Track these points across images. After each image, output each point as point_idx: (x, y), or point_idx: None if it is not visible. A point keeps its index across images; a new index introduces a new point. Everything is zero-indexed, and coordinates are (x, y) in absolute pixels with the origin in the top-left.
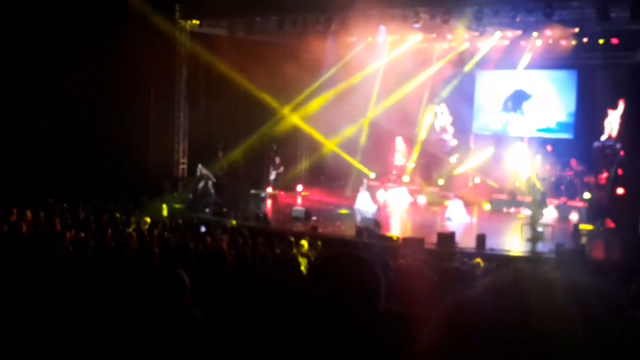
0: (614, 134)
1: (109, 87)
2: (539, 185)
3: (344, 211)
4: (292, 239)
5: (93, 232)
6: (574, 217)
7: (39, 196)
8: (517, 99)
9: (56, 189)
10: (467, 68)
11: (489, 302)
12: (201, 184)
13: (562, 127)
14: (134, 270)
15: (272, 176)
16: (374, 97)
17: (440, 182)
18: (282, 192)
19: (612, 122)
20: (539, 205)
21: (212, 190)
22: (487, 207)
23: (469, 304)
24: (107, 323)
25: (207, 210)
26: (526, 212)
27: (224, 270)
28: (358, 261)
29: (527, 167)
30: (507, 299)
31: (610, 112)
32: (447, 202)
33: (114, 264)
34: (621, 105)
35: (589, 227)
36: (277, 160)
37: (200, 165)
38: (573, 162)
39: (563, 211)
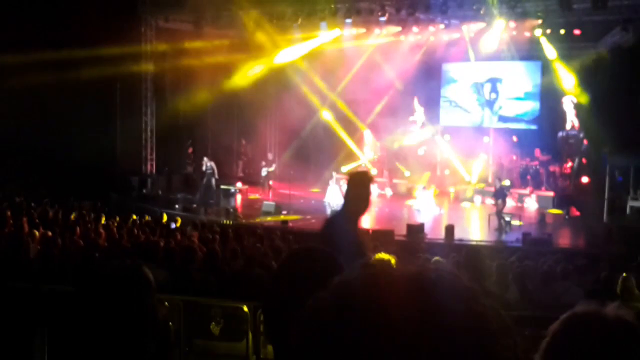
0: (574, 122)
1: (74, 82)
2: (504, 178)
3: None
4: (262, 233)
5: (61, 230)
6: (535, 205)
7: (5, 195)
8: (491, 85)
9: (23, 187)
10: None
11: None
12: (205, 180)
13: (528, 117)
14: (96, 268)
15: (263, 173)
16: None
17: (407, 173)
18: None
19: (567, 109)
20: (500, 194)
21: (214, 185)
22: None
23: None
24: (67, 322)
25: (177, 206)
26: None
27: (193, 267)
28: (321, 255)
29: (492, 158)
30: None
31: (564, 99)
32: (415, 193)
33: (81, 262)
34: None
35: (557, 211)
36: (269, 157)
37: (205, 158)
38: (537, 152)
39: (529, 200)
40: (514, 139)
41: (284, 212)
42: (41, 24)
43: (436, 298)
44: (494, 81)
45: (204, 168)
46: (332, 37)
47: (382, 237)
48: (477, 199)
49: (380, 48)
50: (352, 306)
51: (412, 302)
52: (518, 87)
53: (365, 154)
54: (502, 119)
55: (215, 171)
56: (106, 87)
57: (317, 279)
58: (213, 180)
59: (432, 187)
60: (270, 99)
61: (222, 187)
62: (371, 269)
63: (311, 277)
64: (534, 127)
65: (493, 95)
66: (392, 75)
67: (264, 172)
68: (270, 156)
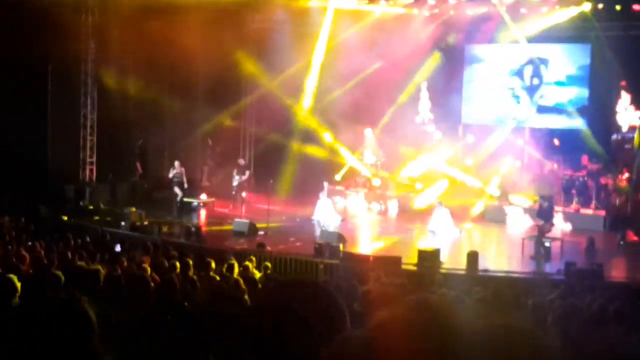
0: (633, 121)
1: None
2: (546, 189)
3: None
4: (233, 260)
5: None
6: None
7: None
8: (533, 68)
9: None
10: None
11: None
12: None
13: (572, 106)
14: (20, 303)
15: (235, 182)
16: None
17: (419, 185)
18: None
19: (627, 107)
20: (546, 213)
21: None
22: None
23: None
24: None
25: (123, 223)
26: (530, 223)
27: (145, 302)
28: (316, 290)
29: (529, 165)
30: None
31: (624, 94)
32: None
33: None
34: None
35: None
36: (242, 162)
37: (177, 163)
38: (585, 159)
39: (575, 221)
40: (556, 142)
41: (261, 232)
42: None
43: None
44: (537, 63)
45: (170, 175)
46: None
47: (387, 266)
48: (511, 217)
49: (385, 22)
50: None
51: None
52: (559, 70)
53: (366, 159)
54: (541, 109)
55: (185, 179)
56: (34, 71)
57: (310, 323)
58: (179, 191)
59: (439, 196)
60: (245, 86)
61: (183, 199)
62: (386, 335)
63: (302, 320)
64: (579, 121)
65: (535, 81)
66: (396, 59)
67: (235, 181)
68: (242, 162)
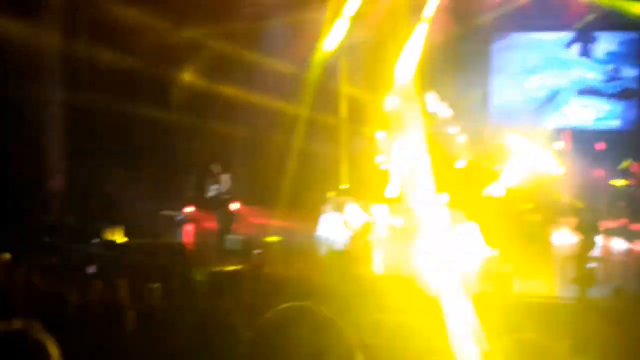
0: None
1: None
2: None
3: (272, 238)
4: (225, 282)
5: None
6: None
7: None
8: (581, 46)
9: None
10: None
11: None
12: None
13: (610, 89)
14: None
15: (211, 192)
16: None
17: (445, 197)
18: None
19: None
20: (589, 229)
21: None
22: None
23: None
24: None
25: (95, 241)
26: (571, 240)
27: (121, 333)
28: (321, 319)
29: (569, 174)
30: None
31: None
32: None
33: None
34: None
35: None
36: (215, 169)
37: (217, 167)
38: (635, 167)
39: (625, 238)
40: (599, 146)
41: (257, 250)
42: None
43: None
44: (585, 39)
45: (216, 190)
46: None
47: (404, 290)
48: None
49: None
50: None
51: None
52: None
53: (392, 162)
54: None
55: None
56: None
57: (315, 358)
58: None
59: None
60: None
61: (164, 212)
62: None
63: (305, 355)
64: (619, 107)
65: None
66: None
67: (211, 191)
68: (215, 168)
